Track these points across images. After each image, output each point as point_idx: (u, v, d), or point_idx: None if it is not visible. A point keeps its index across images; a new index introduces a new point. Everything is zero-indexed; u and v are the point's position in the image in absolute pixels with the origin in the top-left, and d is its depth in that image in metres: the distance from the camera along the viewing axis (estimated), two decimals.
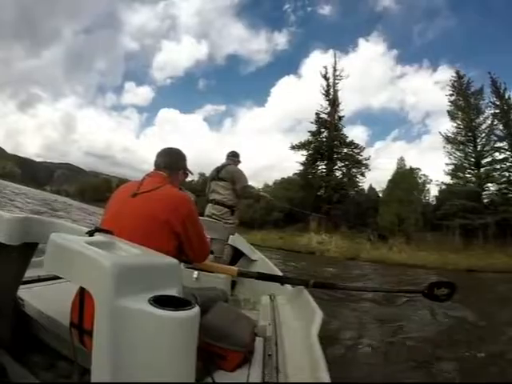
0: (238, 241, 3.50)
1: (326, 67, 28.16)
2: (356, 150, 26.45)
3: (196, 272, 2.34)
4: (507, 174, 18.31)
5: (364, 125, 68.78)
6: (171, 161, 1.60)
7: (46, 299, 1.49)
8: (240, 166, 3.61)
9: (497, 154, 18.80)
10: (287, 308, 2.11)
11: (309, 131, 27.64)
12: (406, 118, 43.37)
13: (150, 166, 1.62)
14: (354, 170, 26.55)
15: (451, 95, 21.43)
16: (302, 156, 27.30)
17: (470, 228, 17.89)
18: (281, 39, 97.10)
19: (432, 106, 49.07)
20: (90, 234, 1.12)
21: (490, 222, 17.13)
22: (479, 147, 19.43)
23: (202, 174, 37.18)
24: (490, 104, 19.44)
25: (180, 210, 1.40)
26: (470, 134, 19.98)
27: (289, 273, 6.26)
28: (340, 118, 27.50)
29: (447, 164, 20.77)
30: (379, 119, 59.18)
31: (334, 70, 27.90)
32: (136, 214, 1.35)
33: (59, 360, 1.31)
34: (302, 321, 1.77)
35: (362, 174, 26.48)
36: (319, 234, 21.80)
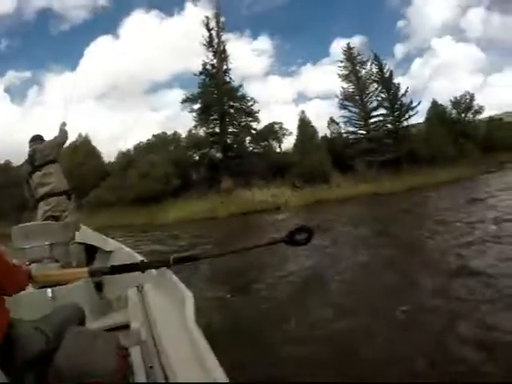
0: (86, 234, 3.14)
1: (207, 17, 26.43)
2: (247, 104, 26.31)
3: (49, 290, 2.02)
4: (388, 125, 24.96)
5: (182, 88, 69.51)
6: None
7: None
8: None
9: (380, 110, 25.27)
10: (156, 297, 1.90)
11: (199, 83, 25.37)
12: None
13: None
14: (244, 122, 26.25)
15: (341, 62, 26.17)
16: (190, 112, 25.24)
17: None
18: None
19: (248, 72, 54.32)
20: None
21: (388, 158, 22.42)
22: (367, 105, 25.14)
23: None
24: (372, 73, 25.45)
25: None
26: (358, 95, 25.20)
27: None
28: (226, 70, 26.32)
29: (342, 116, 25.81)
30: (197, 82, 60.62)
31: (217, 21, 26.27)
32: None
33: None
34: (174, 309, 1.60)
35: (250, 127, 26.56)
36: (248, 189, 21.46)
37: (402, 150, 22.88)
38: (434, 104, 26.36)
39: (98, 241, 3.12)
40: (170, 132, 28.47)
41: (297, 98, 60.35)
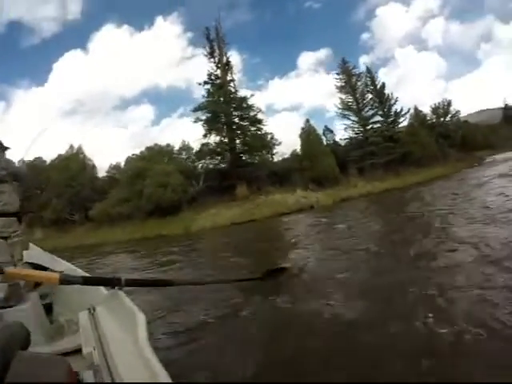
0: (35, 254, 3.04)
1: (208, 28, 27.26)
2: (252, 113, 27.41)
3: None
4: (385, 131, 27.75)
5: (151, 103, 71.97)
6: None
7: None
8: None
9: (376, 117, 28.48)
10: (109, 320, 1.80)
11: (206, 92, 26.10)
12: (190, 96, 46.72)
13: None
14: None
15: (338, 74, 29.03)
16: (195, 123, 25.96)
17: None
18: (74, 7, 76.37)
19: None
20: None
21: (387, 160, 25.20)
22: (363, 113, 28.17)
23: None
24: (367, 84, 28.57)
25: None
26: (355, 105, 28.21)
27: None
28: (231, 81, 27.36)
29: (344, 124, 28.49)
30: (166, 97, 61.91)
31: (217, 32, 27.34)
32: None
33: None
34: (127, 331, 1.54)
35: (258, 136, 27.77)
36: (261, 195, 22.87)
37: (398, 152, 25.79)
38: (416, 110, 30.17)
39: (47, 261, 2.98)
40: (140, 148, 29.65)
41: (266, 111, 61.87)
